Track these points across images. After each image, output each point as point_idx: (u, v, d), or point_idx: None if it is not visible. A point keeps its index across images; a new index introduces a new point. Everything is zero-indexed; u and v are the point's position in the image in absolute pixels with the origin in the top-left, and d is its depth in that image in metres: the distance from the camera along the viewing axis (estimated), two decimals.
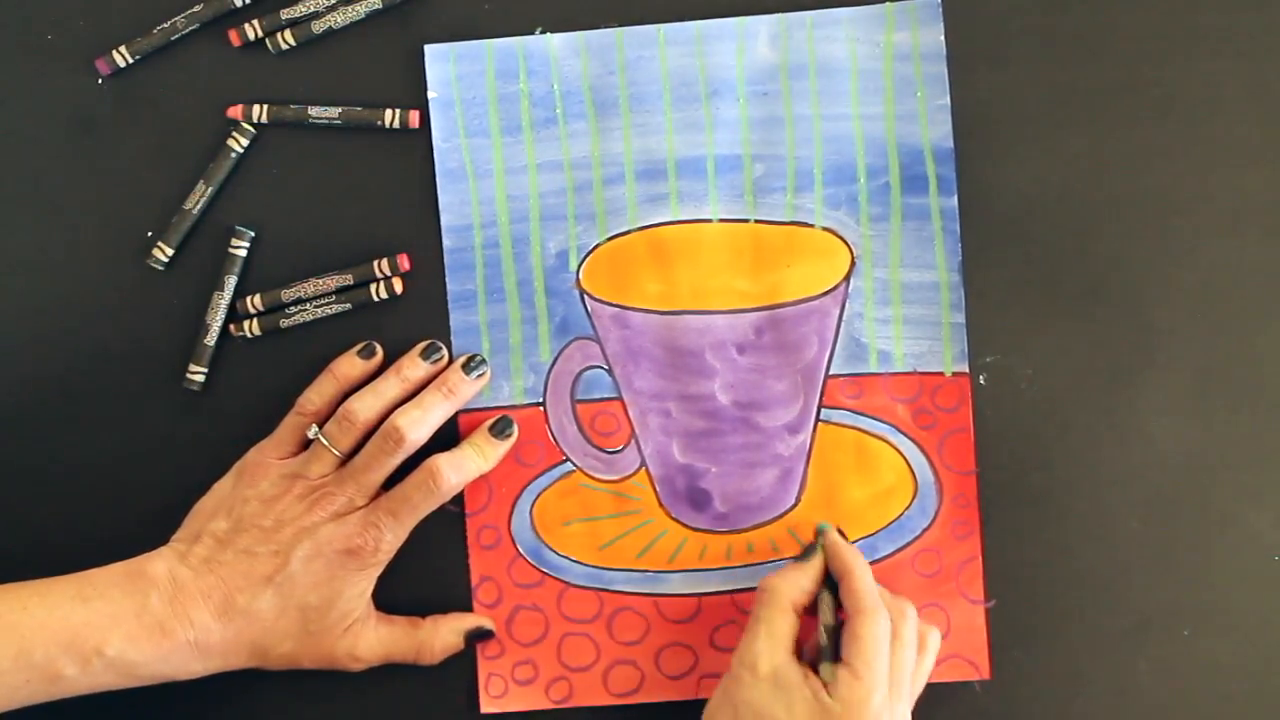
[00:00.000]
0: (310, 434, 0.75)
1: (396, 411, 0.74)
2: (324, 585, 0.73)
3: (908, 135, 0.76)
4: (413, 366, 0.76)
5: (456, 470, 0.74)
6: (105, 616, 0.71)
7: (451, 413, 0.76)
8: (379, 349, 0.77)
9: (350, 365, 0.76)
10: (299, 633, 0.74)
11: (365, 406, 0.74)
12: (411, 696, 0.78)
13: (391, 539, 0.74)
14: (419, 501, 0.74)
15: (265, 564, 0.73)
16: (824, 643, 0.71)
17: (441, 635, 0.77)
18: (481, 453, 0.76)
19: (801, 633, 0.71)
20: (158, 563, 0.73)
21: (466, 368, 0.76)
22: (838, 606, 0.72)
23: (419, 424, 0.74)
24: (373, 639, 0.75)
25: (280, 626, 0.73)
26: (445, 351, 0.77)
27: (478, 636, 0.77)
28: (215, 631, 0.72)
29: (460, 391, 0.76)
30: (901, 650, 0.70)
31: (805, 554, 0.74)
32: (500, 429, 0.76)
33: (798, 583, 0.72)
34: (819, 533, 0.75)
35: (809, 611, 0.73)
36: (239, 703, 0.78)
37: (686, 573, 0.78)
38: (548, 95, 0.77)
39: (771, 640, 0.70)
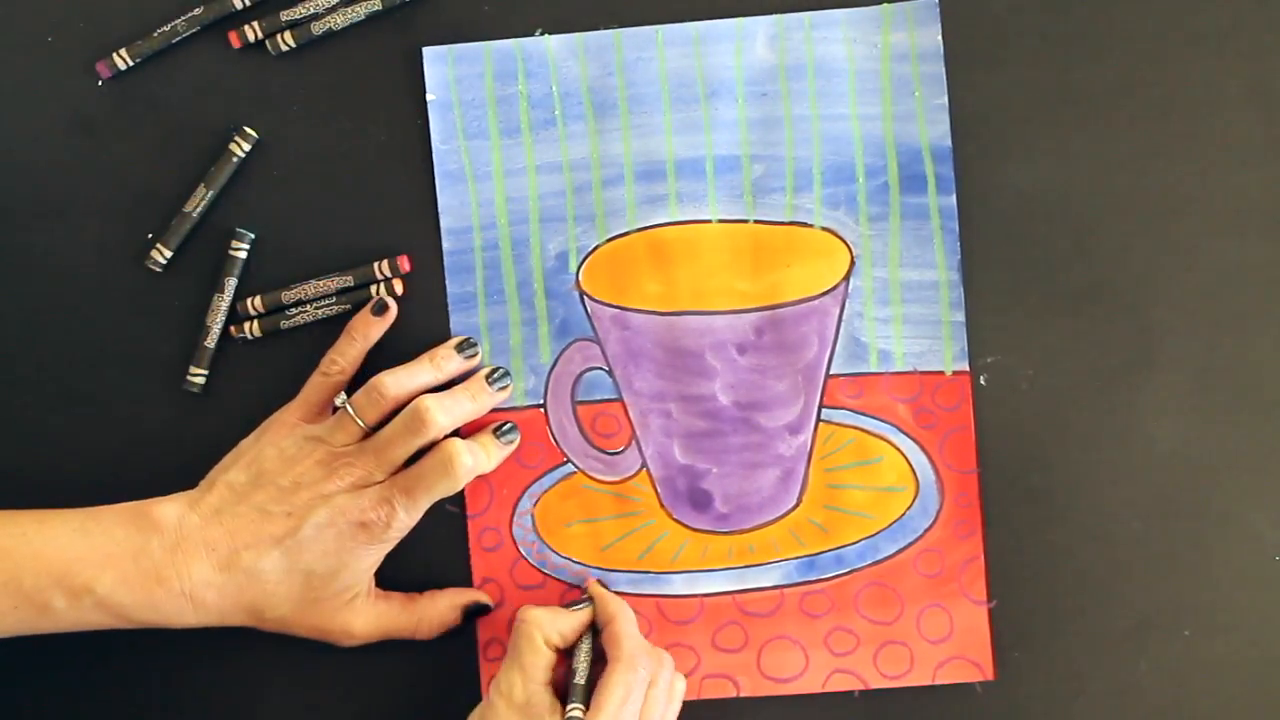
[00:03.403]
0: (338, 402, 0.75)
1: (427, 394, 0.74)
2: (332, 555, 0.73)
3: (906, 135, 0.76)
4: (448, 358, 0.76)
5: (474, 455, 0.74)
6: (101, 554, 0.71)
7: (474, 416, 0.76)
8: (391, 303, 0.77)
9: (367, 324, 0.77)
10: (299, 599, 0.73)
11: (396, 383, 0.74)
12: (414, 697, 0.78)
13: (405, 517, 0.73)
14: (434, 482, 0.73)
15: (278, 525, 0.72)
16: (575, 687, 0.72)
17: (439, 609, 0.77)
18: (487, 451, 0.76)
19: (562, 669, 0.73)
20: (167, 506, 0.73)
21: (490, 378, 0.76)
22: (598, 656, 0.74)
23: (447, 412, 0.74)
24: (370, 615, 0.75)
25: (281, 590, 0.73)
26: (479, 350, 0.77)
27: (476, 612, 0.77)
28: (213, 586, 0.72)
29: (481, 400, 0.76)
30: (654, 701, 0.72)
31: (574, 605, 0.76)
32: (503, 432, 0.77)
33: (556, 624, 0.74)
34: (585, 590, 0.77)
35: (568, 653, 0.74)
36: (236, 686, 0.79)
37: (688, 573, 0.78)
38: (546, 97, 0.77)
39: (525, 673, 0.71)
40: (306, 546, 0.73)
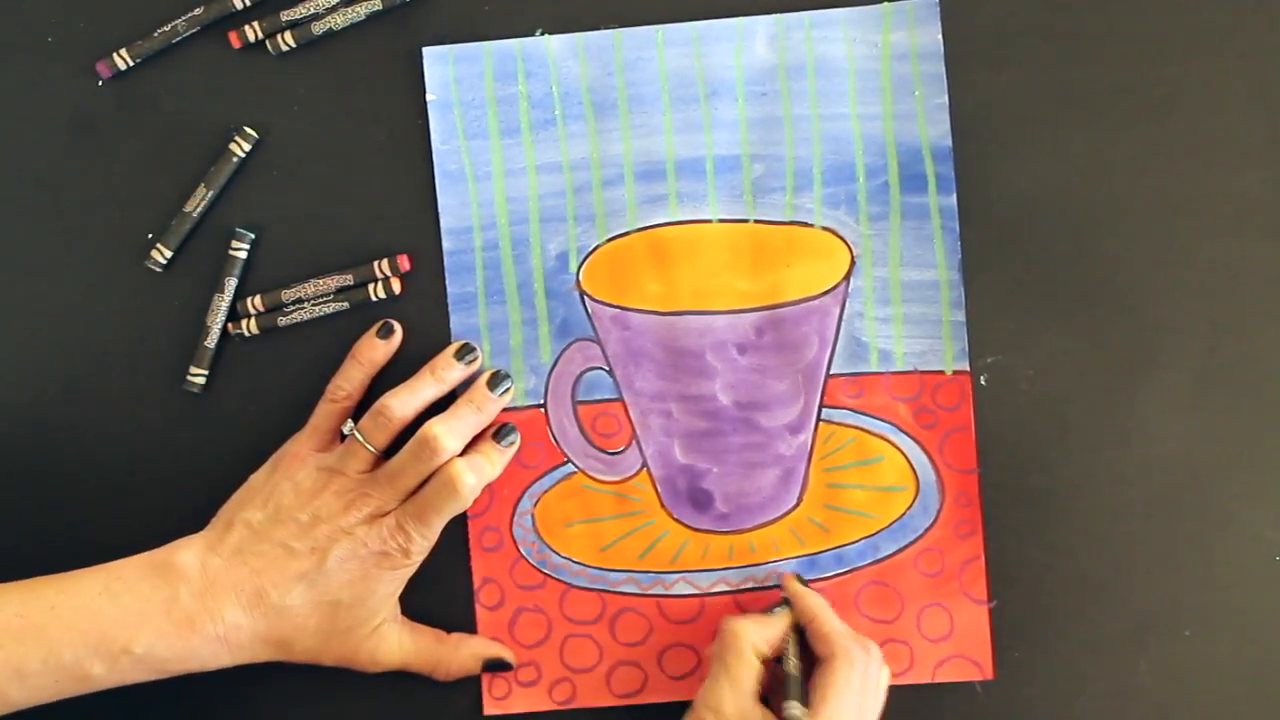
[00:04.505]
0: (346, 430, 0.75)
1: (432, 420, 0.74)
2: (357, 584, 0.73)
3: (906, 134, 0.76)
4: (448, 368, 0.76)
5: (476, 472, 0.74)
6: (134, 614, 0.71)
7: (481, 428, 0.76)
8: (397, 326, 0.77)
9: (372, 348, 0.77)
10: (327, 629, 0.74)
11: (401, 404, 0.74)
12: (415, 697, 0.78)
13: (422, 542, 0.74)
14: (442, 505, 0.74)
15: (302, 561, 0.73)
16: (791, 686, 0.70)
17: (460, 657, 0.77)
18: (489, 459, 0.76)
19: (764, 676, 0.72)
20: (187, 553, 0.73)
21: (491, 385, 0.76)
22: (804, 650, 0.72)
23: (454, 434, 0.74)
24: (395, 645, 0.76)
25: (310, 623, 0.73)
26: (479, 352, 0.77)
27: (496, 666, 0.77)
28: (245, 627, 0.72)
29: (487, 409, 0.76)
30: (868, 693, 0.70)
31: (772, 609, 0.74)
32: (503, 436, 0.76)
33: (763, 633, 0.72)
34: (782, 588, 0.76)
35: (772, 659, 0.73)
36: (239, 695, 0.79)
37: (689, 573, 0.78)
38: (546, 97, 0.77)
39: (734, 686, 0.70)
40: (331, 578, 0.73)
